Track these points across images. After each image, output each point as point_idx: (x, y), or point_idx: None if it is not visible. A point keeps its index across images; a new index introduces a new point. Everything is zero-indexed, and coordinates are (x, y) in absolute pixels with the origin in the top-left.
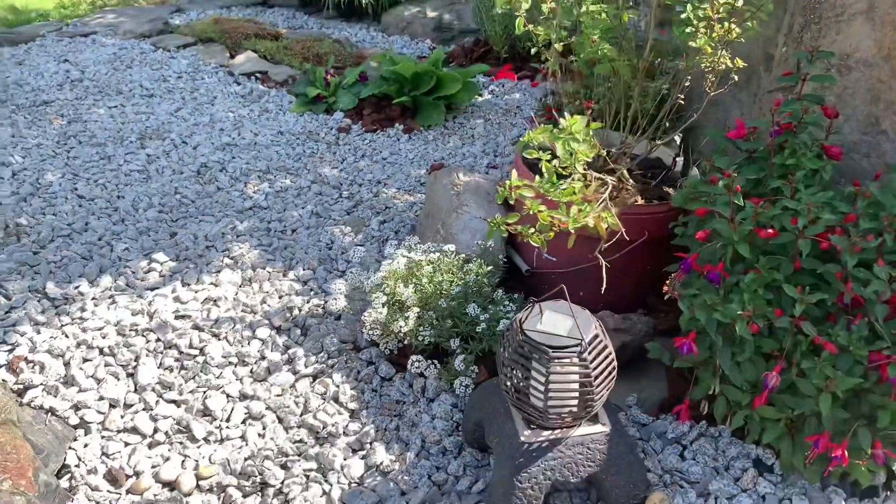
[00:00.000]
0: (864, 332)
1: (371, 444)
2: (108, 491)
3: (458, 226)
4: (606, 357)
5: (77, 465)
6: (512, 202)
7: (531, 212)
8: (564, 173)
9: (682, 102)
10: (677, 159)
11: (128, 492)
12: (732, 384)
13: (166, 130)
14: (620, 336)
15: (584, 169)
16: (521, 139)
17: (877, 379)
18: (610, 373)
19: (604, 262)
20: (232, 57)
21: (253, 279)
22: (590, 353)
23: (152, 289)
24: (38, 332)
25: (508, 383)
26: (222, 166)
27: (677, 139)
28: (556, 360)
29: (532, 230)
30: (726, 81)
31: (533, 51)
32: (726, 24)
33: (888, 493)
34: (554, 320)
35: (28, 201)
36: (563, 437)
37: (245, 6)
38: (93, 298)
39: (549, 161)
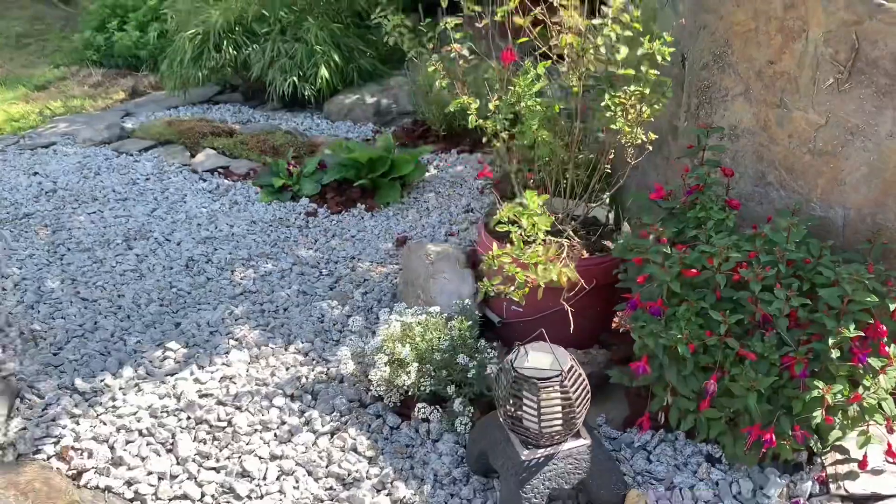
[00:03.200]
0: (773, 341)
1: (392, 482)
2: None
3: (436, 289)
4: (581, 382)
5: None
6: (496, 267)
7: (509, 273)
8: (529, 239)
9: (609, 171)
10: (609, 216)
11: None
12: (681, 395)
13: (148, 230)
14: (584, 368)
15: (544, 235)
16: (481, 210)
17: (789, 377)
18: (585, 395)
19: (568, 308)
20: (192, 156)
21: (259, 356)
22: (569, 380)
23: (170, 374)
24: (78, 423)
25: (507, 414)
26: (207, 258)
27: (607, 200)
28: (544, 389)
29: (512, 287)
30: (643, 151)
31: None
32: (638, 107)
33: (810, 466)
34: (537, 358)
35: (35, 308)
36: (555, 452)
37: (192, 104)
38: (120, 388)
39: (516, 232)
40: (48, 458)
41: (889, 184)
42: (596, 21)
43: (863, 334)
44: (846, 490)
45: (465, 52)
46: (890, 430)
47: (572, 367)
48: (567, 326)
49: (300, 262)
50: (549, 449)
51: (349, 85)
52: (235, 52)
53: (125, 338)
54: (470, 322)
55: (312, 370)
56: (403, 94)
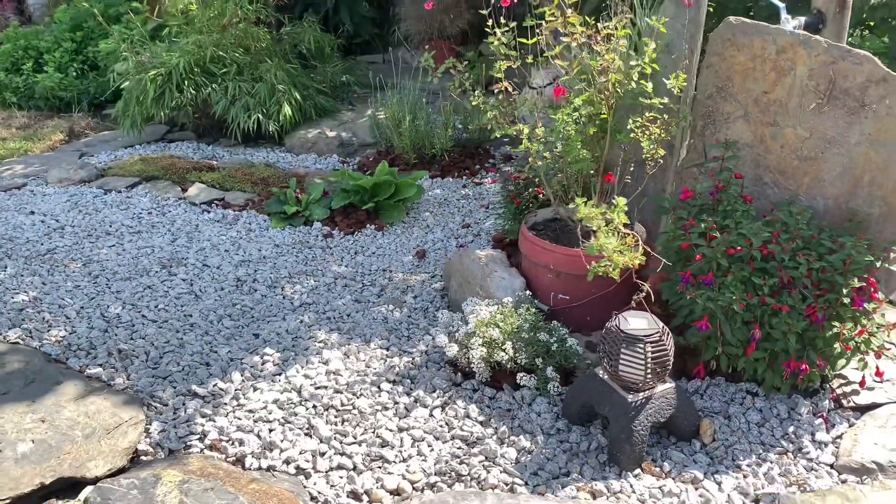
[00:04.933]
0: (798, 297)
1: (509, 437)
2: None
3: (493, 286)
4: (671, 338)
5: (319, 497)
6: (596, 254)
7: (608, 258)
8: (607, 233)
9: (629, 181)
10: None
11: (370, 502)
12: (730, 344)
13: (181, 258)
14: None
15: (623, 228)
16: (477, 225)
17: (810, 322)
18: (673, 347)
19: (644, 284)
20: (184, 190)
21: (349, 353)
22: (664, 335)
23: (276, 375)
24: (214, 421)
25: (612, 368)
26: (253, 278)
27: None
28: (648, 343)
29: (611, 268)
30: (657, 164)
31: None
32: (654, 128)
33: (823, 391)
34: (635, 322)
35: (110, 332)
36: (652, 394)
37: (147, 143)
38: (237, 389)
39: (602, 225)
40: (201, 450)
41: (857, 178)
42: (633, 62)
43: (865, 284)
44: (854, 402)
45: (510, 89)
46: (878, 357)
47: (664, 326)
48: (602, 309)
49: (339, 276)
50: (647, 392)
51: (307, 120)
52: (195, 92)
53: (216, 349)
54: (534, 309)
55: (401, 360)
56: (359, 127)
